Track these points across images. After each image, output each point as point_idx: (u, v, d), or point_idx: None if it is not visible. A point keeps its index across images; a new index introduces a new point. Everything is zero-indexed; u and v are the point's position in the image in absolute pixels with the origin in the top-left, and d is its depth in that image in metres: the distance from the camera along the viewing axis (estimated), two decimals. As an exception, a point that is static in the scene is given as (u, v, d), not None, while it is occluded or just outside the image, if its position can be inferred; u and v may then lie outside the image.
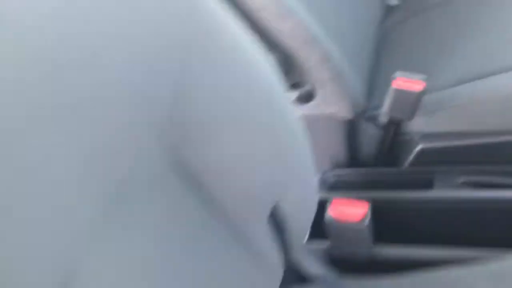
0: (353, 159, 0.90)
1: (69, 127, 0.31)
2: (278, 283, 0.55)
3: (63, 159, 0.30)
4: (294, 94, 0.80)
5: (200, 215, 0.44)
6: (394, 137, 0.85)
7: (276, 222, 0.51)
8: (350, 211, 0.56)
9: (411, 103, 0.76)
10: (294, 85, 0.82)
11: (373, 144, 0.88)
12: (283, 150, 0.47)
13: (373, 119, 0.88)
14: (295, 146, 0.49)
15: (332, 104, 0.81)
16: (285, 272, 0.65)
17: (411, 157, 0.85)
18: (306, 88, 0.80)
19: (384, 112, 0.80)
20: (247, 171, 0.44)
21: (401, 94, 0.75)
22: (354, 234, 0.56)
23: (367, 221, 0.55)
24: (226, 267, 0.47)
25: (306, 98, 0.81)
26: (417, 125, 0.83)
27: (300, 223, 0.54)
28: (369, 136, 0.87)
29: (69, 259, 0.32)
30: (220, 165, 0.42)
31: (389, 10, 1.15)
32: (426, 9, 1.07)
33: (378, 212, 0.66)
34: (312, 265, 0.66)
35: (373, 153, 0.89)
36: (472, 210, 0.66)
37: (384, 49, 1.01)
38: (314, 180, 0.55)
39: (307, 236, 0.73)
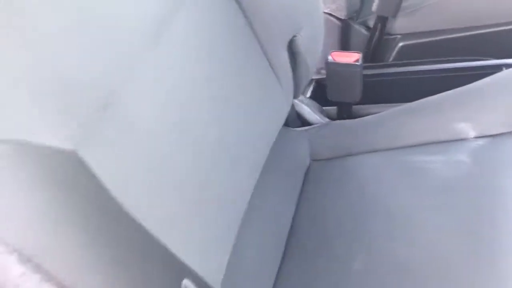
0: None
1: None
2: (289, 108, 0.72)
3: None
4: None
5: (242, 34, 0.61)
6: (380, 36, 1.03)
7: (293, 52, 0.68)
8: (346, 57, 0.74)
9: (393, 1, 0.93)
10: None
11: (363, 44, 1.06)
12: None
13: (364, 23, 1.06)
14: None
15: (331, 3, 0.99)
16: (292, 117, 0.84)
17: (393, 53, 1.04)
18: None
19: (372, 12, 0.98)
20: (275, 2, 0.61)
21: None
22: (349, 74, 0.74)
23: (360, 62, 0.73)
24: (258, 84, 0.64)
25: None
26: (398, 26, 1.02)
27: (308, 61, 0.71)
28: (360, 36, 1.05)
29: (115, 77, 0.40)
30: None
31: None
32: None
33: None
34: (311, 114, 0.84)
35: (362, 52, 1.07)
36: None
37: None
38: (321, 30, 0.72)
39: (309, 93, 0.91)
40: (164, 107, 0.46)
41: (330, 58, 0.74)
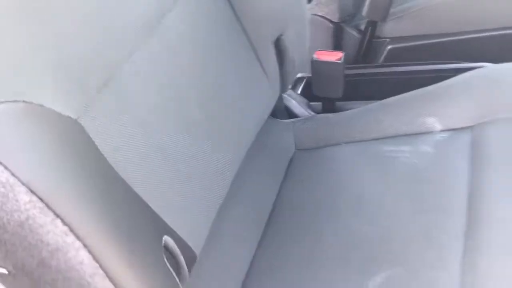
0: (338, 58, 1.15)
1: None
2: (275, 100, 0.79)
3: None
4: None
5: (232, 30, 0.69)
6: (369, 39, 1.10)
7: (280, 50, 0.75)
8: (330, 56, 0.81)
9: (385, 5, 1.00)
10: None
11: (354, 46, 1.13)
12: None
13: (356, 26, 1.12)
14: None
15: (324, 7, 1.06)
16: (280, 110, 0.91)
17: (383, 55, 1.10)
18: (306, -9, 1.04)
19: (363, 16, 1.05)
20: (264, 0, 0.69)
21: (375, -2, 0.99)
22: (332, 71, 0.81)
23: (341, 60, 0.80)
24: (246, 75, 0.71)
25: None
26: (387, 30, 1.08)
27: (295, 59, 0.78)
28: (352, 39, 1.12)
29: (114, 58, 0.47)
30: None
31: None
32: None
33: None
34: (298, 108, 0.91)
35: (354, 54, 1.14)
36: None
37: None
38: (306, 31, 0.79)
39: (300, 90, 0.98)
40: (159, 88, 0.54)
41: (314, 56, 0.81)
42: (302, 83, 1.00)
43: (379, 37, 1.11)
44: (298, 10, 0.75)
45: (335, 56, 0.80)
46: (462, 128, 0.69)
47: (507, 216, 0.56)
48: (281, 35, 0.74)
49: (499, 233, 0.54)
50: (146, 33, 0.53)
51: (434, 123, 0.71)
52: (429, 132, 0.71)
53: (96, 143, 0.44)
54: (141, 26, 0.53)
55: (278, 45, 0.75)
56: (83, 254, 0.36)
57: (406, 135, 0.73)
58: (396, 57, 1.10)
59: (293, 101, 0.89)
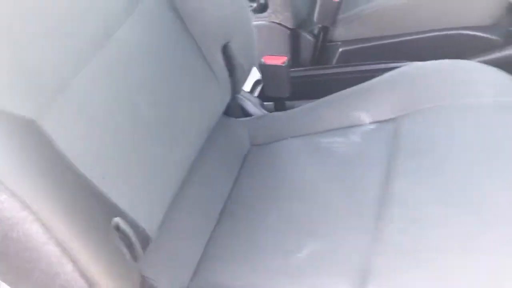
0: (294, 61, 1.25)
1: None
2: (226, 102, 0.89)
3: None
4: (252, 5, 1.14)
5: (181, 39, 0.78)
6: (322, 43, 1.20)
7: (228, 55, 0.85)
8: (276, 60, 0.90)
9: (333, 11, 1.09)
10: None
11: (310, 50, 1.23)
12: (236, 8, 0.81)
13: (311, 31, 1.22)
14: (243, 10, 0.83)
15: (279, 14, 1.15)
16: (236, 110, 1.00)
17: (335, 57, 1.20)
18: (261, 1, 1.14)
19: (315, 22, 1.15)
20: (210, 12, 0.78)
21: (325, 2, 1.08)
22: (279, 73, 0.90)
23: (286, 63, 0.89)
24: (196, 78, 0.81)
25: (261, 9, 1.15)
26: (337, 34, 1.18)
27: (243, 65, 0.88)
28: (307, 43, 1.22)
29: (70, 67, 0.56)
30: (192, 4, 0.76)
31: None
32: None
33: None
34: (252, 108, 1.00)
35: (310, 57, 1.24)
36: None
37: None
38: (252, 39, 0.89)
39: (257, 92, 1.08)
40: (114, 92, 0.63)
41: (262, 60, 0.91)
42: (259, 86, 1.10)
43: (331, 41, 1.20)
44: (243, 19, 0.84)
45: (280, 60, 0.90)
46: (386, 120, 0.79)
47: (410, 194, 0.66)
48: (228, 42, 0.84)
49: (402, 207, 0.64)
50: (101, 42, 0.62)
51: (364, 116, 0.81)
52: (360, 125, 0.81)
53: (53, 139, 0.53)
54: (97, 36, 0.62)
55: (226, 51, 0.84)
56: (36, 226, 0.45)
57: (341, 128, 0.83)
58: (348, 58, 1.20)
59: (248, 102, 0.98)
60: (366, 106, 0.82)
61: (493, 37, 1.09)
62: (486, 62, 0.91)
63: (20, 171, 0.45)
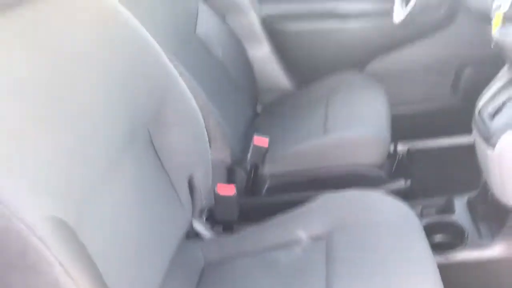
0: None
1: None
2: (188, 224, 1.05)
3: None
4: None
5: (156, 173, 0.96)
6: (254, 177, 1.44)
7: (191, 186, 1.04)
8: (226, 190, 1.11)
9: (262, 153, 1.36)
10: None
11: (243, 181, 1.46)
12: (200, 146, 1.03)
13: (244, 168, 1.47)
14: (204, 147, 1.05)
15: (220, 152, 1.39)
16: (190, 233, 1.16)
17: (264, 189, 1.44)
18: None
19: (247, 160, 1.40)
20: (179, 152, 0.98)
21: (256, 148, 1.35)
22: (228, 202, 1.10)
23: (234, 193, 1.10)
24: (166, 205, 0.98)
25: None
26: (266, 170, 1.44)
27: (202, 192, 1.07)
28: (241, 176, 1.45)
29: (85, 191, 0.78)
30: (168, 146, 0.96)
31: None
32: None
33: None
34: (204, 230, 1.17)
35: (243, 187, 1.46)
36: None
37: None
38: (210, 171, 1.09)
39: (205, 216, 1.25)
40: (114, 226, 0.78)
41: (216, 190, 1.11)
42: (205, 211, 1.29)
43: (261, 175, 1.46)
44: (204, 157, 1.05)
45: (230, 191, 1.11)
46: (319, 235, 1.01)
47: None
48: (192, 175, 1.03)
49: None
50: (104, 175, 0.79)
51: (302, 234, 1.02)
52: (299, 240, 1.02)
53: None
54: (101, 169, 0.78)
55: (190, 182, 1.04)
56: None
57: (284, 243, 1.03)
58: (276, 189, 1.45)
59: (200, 225, 1.16)
60: (304, 225, 1.04)
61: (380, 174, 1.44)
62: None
63: None
